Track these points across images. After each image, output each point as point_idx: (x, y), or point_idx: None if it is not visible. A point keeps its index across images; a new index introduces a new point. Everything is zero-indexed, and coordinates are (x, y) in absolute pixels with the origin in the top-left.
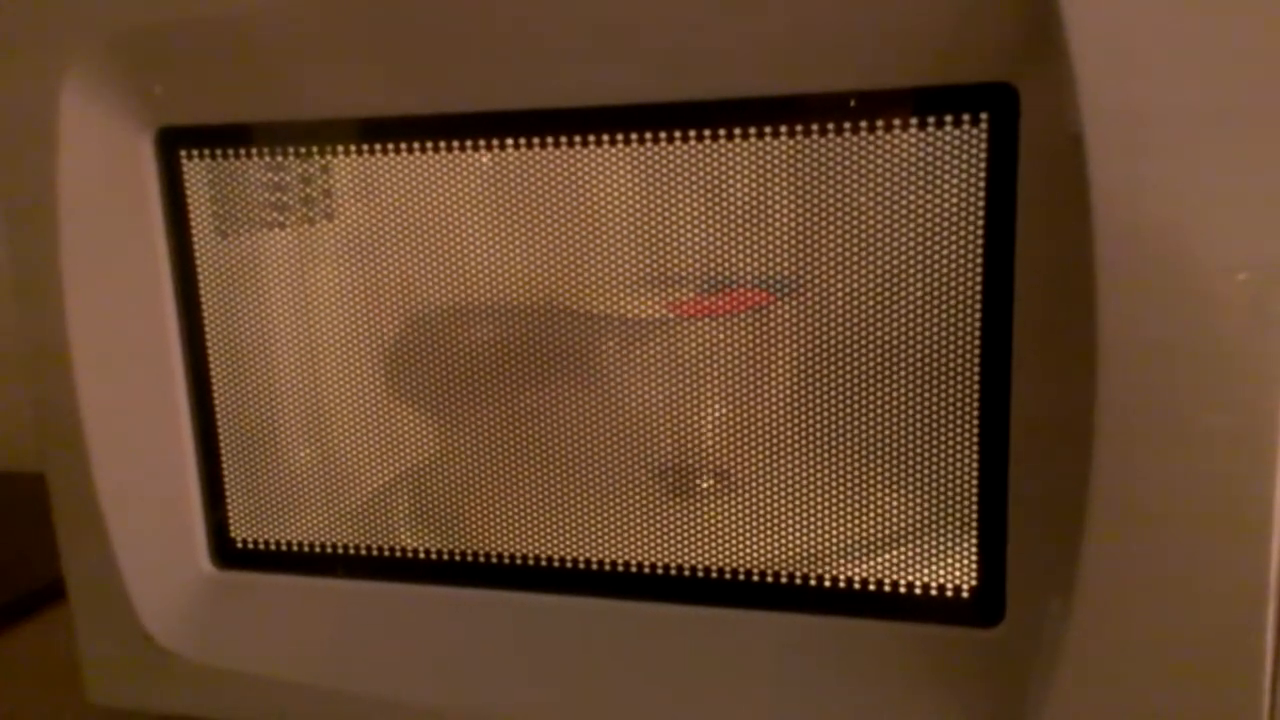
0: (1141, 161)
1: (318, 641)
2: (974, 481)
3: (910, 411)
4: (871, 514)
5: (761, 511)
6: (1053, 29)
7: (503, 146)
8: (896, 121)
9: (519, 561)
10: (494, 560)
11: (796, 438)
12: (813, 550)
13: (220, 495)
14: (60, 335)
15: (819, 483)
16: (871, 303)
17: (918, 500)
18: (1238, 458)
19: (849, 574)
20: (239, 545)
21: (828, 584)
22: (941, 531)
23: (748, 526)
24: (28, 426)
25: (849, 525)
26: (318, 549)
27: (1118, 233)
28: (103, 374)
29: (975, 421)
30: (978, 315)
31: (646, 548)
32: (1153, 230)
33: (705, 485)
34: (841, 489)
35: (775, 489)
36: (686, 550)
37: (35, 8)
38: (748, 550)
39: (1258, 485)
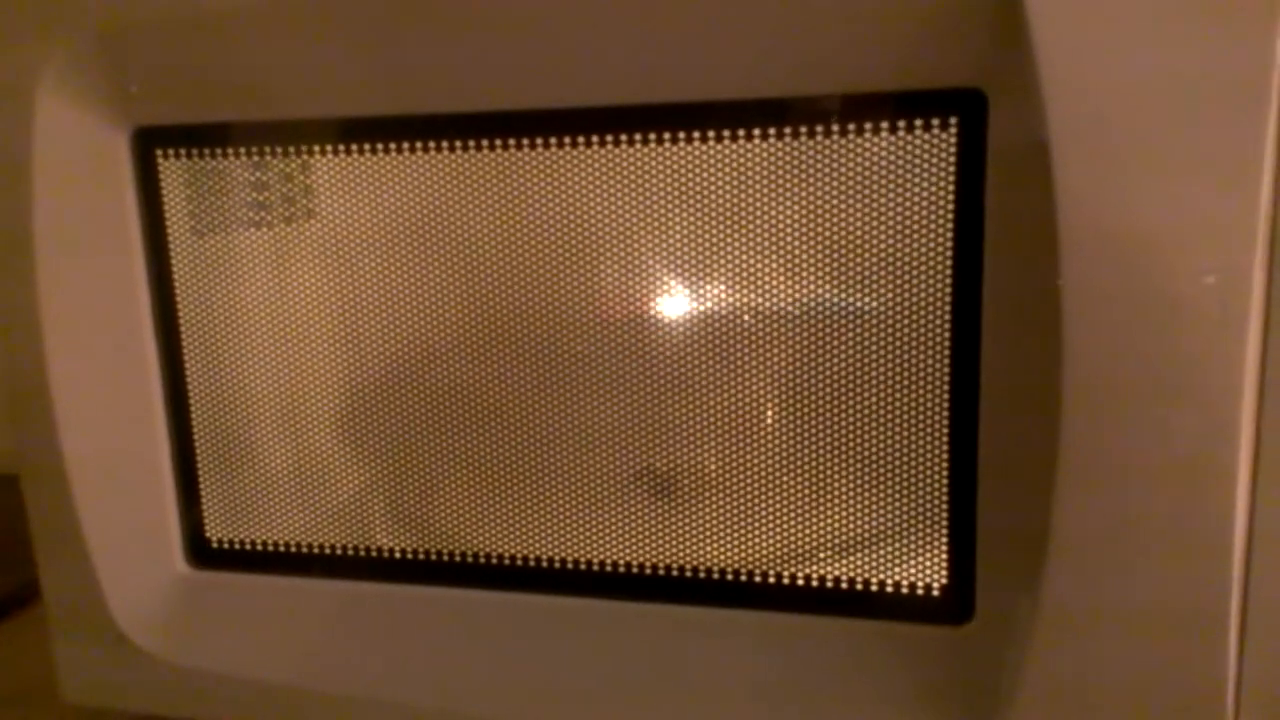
0: (1106, 167)
1: (293, 641)
2: (944, 483)
3: (882, 414)
4: (845, 515)
5: (738, 512)
6: (1020, 37)
7: (480, 148)
8: (868, 125)
9: (495, 561)
10: (470, 560)
11: (772, 440)
12: (788, 551)
13: (195, 495)
14: (35, 335)
15: (794, 485)
16: (844, 305)
17: (890, 502)
18: (1203, 458)
19: (823, 573)
20: (214, 545)
21: (801, 583)
22: (913, 532)
23: (725, 527)
24: (1, 429)
25: (823, 526)
26: (293, 549)
27: (1082, 236)
28: (78, 374)
29: (946, 424)
30: (948, 318)
31: (624, 548)
32: (1117, 234)
33: (683, 487)
34: (816, 491)
35: (752, 491)
36: (662, 550)
37: (9, 8)
38: (725, 550)
39: (1222, 485)
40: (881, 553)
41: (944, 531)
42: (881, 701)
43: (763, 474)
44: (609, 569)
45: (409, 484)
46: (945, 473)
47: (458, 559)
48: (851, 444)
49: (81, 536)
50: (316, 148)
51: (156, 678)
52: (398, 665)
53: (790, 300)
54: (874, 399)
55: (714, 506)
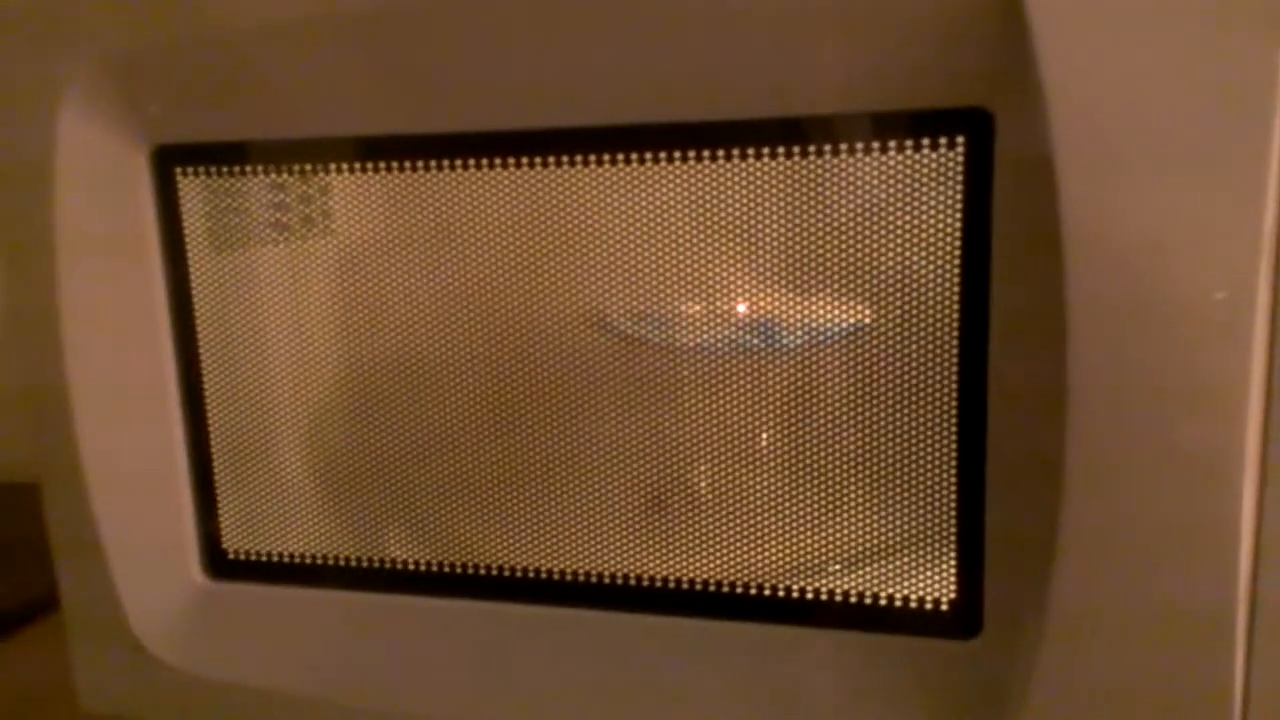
0: (1111, 183)
1: (308, 652)
2: (953, 499)
3: (891, 429)
4: (853, 529)
5: (749, 526)
6: (1026, 56)
7: (493, 166)
8: (876, 144)
9: (509, 573)
10: (483, 572)
11: (781, 454)
12: (796, 564)
13: (213, 507)
14: (56, 350)
15: (802, 499)
16: (854, 320)
17: (899, 517)
18: (1207, 477)
19: (833, 587)
20: (231, 556)
21: (810, 596)
22: (921, 547)
23: (735, 540)
24: (23, 438)
25: (831, 541)
26: (308, 560)
27: (1088, 251)
28: (98, 388)
29: (954, 440)
30: (955, 335)
31: (634, 560)
32: (1123, 249)
33: (692, 501)
34: (824, 505)
35: (762, 505)
36: (673, 563)
37: (33, 28)
38: (735, 563)
39: (1227, 503)
40: (890, 567)
41: (952, 546)
42: (889, 716)
43: (771, 488)
44: (620, 582)
45: (423, 497)
46: (954, 487)
47: (472, 571)
48: (860, 459)
49: (100, 547)
50: (334, 165)
51: (173, 687)
52: (413, 676)
53: (800, 315)
54: (882, 414)
55: (723, 520)
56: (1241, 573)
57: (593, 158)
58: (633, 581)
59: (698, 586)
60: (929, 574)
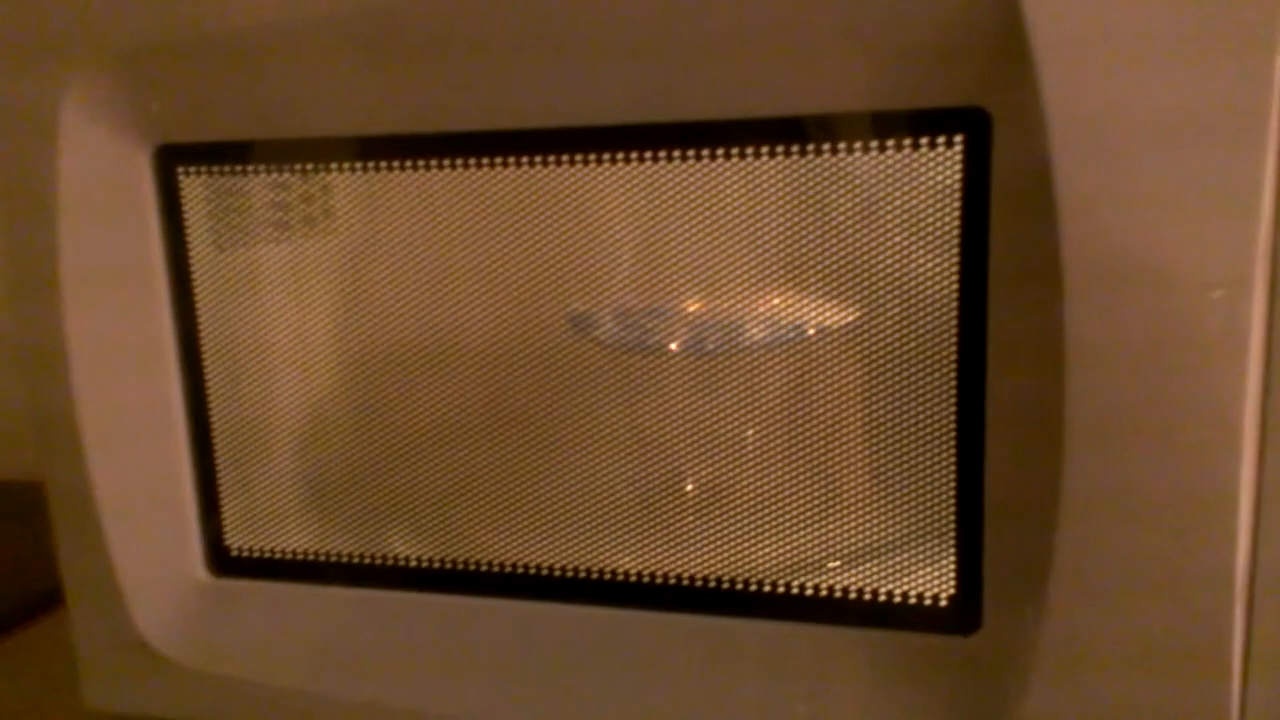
0: (1108, 184)
1: (311, 648)
2: (952, 496)
3: (891, 429)
4: (854, 527)
5: (749, 523)
6: (1024, 58)
7: (493, 166)
8: (875, 143)
9: (510, 569)
10: (485, 568)
11: (782, 452)
12: (798, 561)
13: (215, 504)
14: (59, 346)
15: (804, 496)
16: (854, 319)
17: (899, 514)
18: (1206, 472)
19: (833, 583)
20: (234, 553)
21: (810, 592)
22: (921, 544)
23: (735, 537)
24: (27, 436)
25: (833, 537)
26: (311, 557)
27: (1085, 253)
28: (101, 385)
29: (953, 438)
30: (954, 332)
31: (634, 556)
32: (1119, 249)
33: (691, 498)
34: (825, 502)
35: (762, 502)
36: (672, 559)
37: (36, 27)
38: (735, 560)
39: (1225, 500)
40: (890, 564)
41: (952, 543)
42: (889, 711)
43: (771, 485)
44: (619, 578)
45: (425, 494)
46: (953, 485)
47: (473, 567)
48: (861, 457)
49: (104, 544)
50: (335, 165)
51: (177, 684)
52: (415, 671)
53: (801, 315)
54: (883, 414)
55: (723, 517)
56: (1238, 580)
57: (593, 157)
58: (633, 578)
59: (697, 583)
60: (929, 570)
